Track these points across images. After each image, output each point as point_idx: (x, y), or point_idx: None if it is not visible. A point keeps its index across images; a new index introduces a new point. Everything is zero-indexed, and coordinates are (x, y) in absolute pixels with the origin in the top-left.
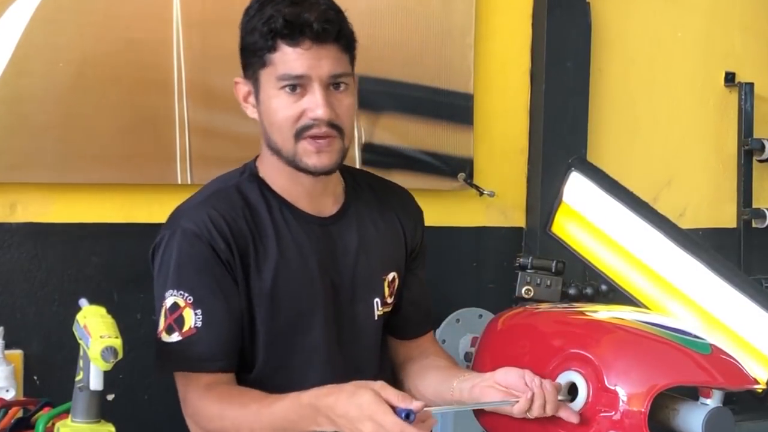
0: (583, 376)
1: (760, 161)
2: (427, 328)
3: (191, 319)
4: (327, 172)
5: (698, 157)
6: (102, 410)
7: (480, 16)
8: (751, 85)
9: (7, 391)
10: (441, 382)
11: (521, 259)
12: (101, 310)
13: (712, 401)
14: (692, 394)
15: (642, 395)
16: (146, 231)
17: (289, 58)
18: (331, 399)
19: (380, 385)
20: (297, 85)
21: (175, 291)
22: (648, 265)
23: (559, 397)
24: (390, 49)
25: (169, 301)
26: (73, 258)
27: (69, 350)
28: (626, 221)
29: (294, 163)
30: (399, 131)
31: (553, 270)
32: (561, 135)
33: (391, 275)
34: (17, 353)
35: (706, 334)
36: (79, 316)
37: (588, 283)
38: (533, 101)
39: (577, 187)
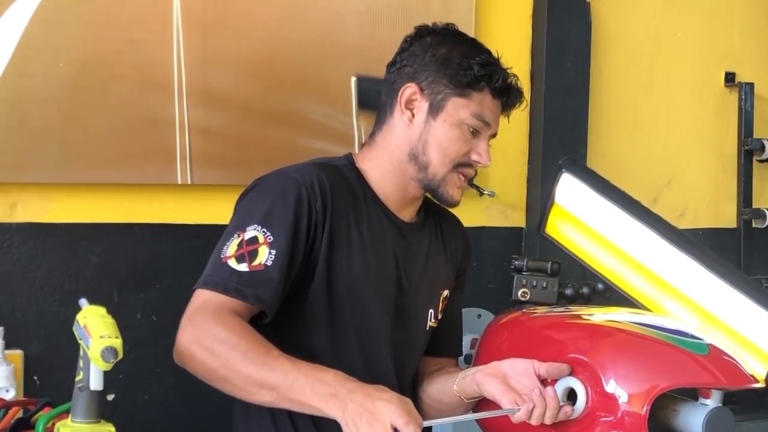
0: (582, 382)
1: (760, 161)
2: (452, 351)
3: (264, 256)
4: (455, 206)
5: (698, 157)
6: (102, 410)
7: (480, 16)
8: (751, 85)
9: (7, 391)
10: (447, 378)
11: (516, 262)
12: (101, 310)
13: (712, 401)
14: (692, 394)
15: (641, 398)
16: (146, 231)
17: (488, 105)
18: (354, 385)
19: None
20: (479, 129)
21: (260, 227)
22: (642, 263)
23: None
24: (390, 50)
25: (249, 234)
26: (73, 258)
27: (69, 350)
28: (618, 221)
29: (434, 186)
30: None
31: (549, 271)
32: (561, 135)
33: (445, 292)
34: (17, 353)
35: (703, 333)
36: (79, 316)
37: (585, 282)
38: (533, 101)
39: (568, 189)
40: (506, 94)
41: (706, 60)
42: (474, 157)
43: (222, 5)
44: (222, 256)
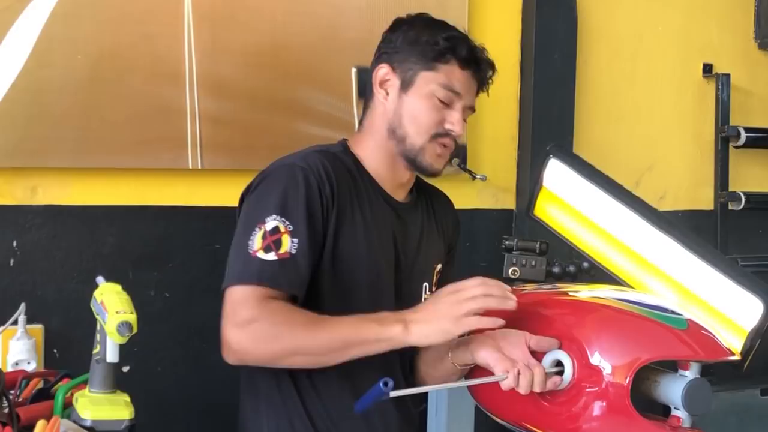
0: (569, 354)
1: (736, 147)
2: None
3: (288, 244)
4: (436, 175)
5: (678, 144)
6: (118, 381)
7: (472, 12)
8: (728, 75)
9: (29, 363)
10: (441, 346)
11: (507, 242)
12: (117, 287)
13: (691, 373)
14: (671, 366)
15: (624, 369)
16: (159, 213)
17: (456, 76)
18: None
19: None
20: (449, 100)
21: (279, 217)
22: (625, 243)
23: (547, 370)
24: None
25: (270, 224)
26: (91, 238)
27: (87, 325)
28: (603, 203)
29: (413, 156)
30: None
31: (537, 251)
32: (549, 123)
33: (439, 266)
34: (38, 328)
35: (682, 309)
36: (96, 293)
37: (571, 261)
38: (523, 91)
39: (556, 173)
40: (474, 64)
41: (685, 52)
42: (447, 126)
43: (231, 1)
44: (250, 251)
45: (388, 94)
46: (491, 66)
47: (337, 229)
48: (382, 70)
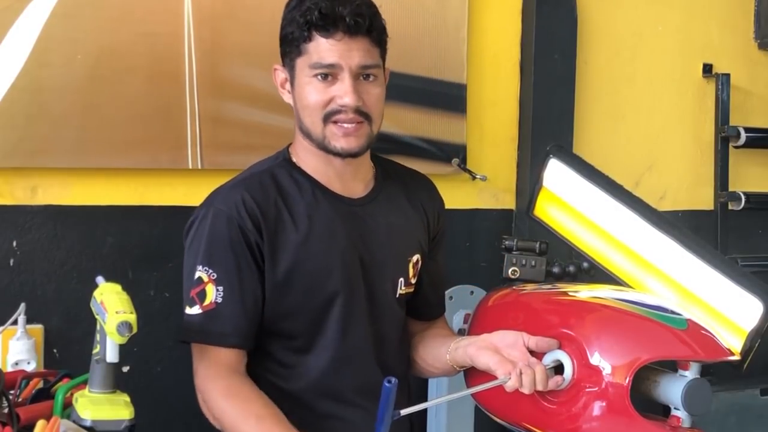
0: (569, 354)
1: (736, 147)
2: (439, 312)
3: (212, 294)
4: (353, 155)
5: (678, 144)
6: (117, 381)
7: (473, 11)
8: (728, 75)
9: (29, 363)
10: (440, 345)
11: (507, 242)
12: (117, 287)
13: (691, 373)
14: (671, 366)
15: (624, 369)
16: (159, 213)
17: (322, 48)
18: None
19: None
20: (328, 74)
21: (201, 267)
22: (625, 243)
23: (548, 366)
24: (388, 42)
25: (195, 276)
26: (91, 238)
27: (87, 325)
28: (603, 203)
29: (323, 146)
30: (396, 119)
31: (537, 251)
32: (549, 123)
33: (416, 257)
34: (38, 328)
35: (682, 309)
36: (96, 293)
37: (571, 261)
38: (523, 91)
39: (556, 173)
40: (335, 24)
41: (685, 52)
42: (338, 101)
43: (230, 0)
44: (185, 310)
45: (289, 93)
46: (356, 5)
47: (274, 253)
48: (276, 72)
